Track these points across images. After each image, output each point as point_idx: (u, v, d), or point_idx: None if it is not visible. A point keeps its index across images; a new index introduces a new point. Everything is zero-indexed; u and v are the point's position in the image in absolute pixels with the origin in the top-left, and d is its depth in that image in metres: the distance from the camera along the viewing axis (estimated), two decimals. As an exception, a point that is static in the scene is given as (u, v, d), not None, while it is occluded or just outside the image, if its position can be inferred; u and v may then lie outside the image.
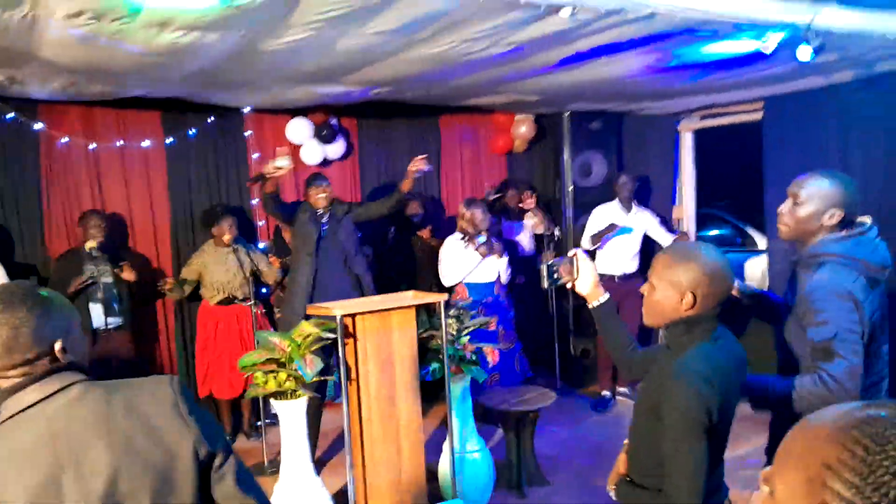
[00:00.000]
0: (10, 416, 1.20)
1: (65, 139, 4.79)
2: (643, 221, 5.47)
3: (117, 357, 4.36)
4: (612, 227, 5.26)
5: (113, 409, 1.23)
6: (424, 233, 5.63)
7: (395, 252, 5.54)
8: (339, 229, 4.65)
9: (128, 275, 4.44)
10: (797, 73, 4.22)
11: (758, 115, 5.41)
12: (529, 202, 5.59)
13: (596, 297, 2.09)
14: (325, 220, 4.64)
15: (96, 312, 4.36)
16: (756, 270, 6.66)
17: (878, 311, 2.07)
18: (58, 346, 1.24)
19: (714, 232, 7.58)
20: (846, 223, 2.09)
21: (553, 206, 6.27)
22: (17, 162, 4.70)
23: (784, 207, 2.17)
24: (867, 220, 2.14)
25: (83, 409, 1.22)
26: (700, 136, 6.21)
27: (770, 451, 2.11)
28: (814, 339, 1.99)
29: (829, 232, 2.08)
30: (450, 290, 4.82)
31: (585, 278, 2.09)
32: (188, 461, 1.27)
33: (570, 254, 2.13)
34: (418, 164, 4.44)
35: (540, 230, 5.72)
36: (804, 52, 3.21)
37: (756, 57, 3.63)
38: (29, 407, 1.20)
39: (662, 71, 4.08)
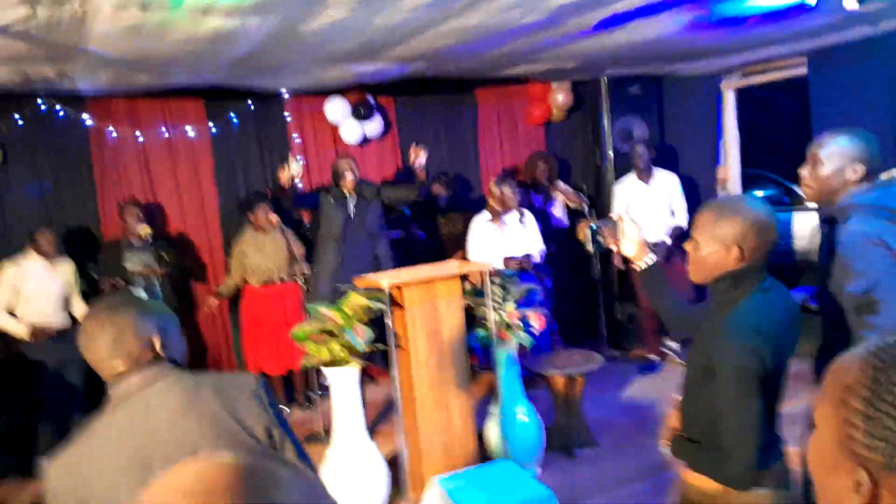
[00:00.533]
0: (117, 398, 1.43)
1: (113, 132, 4.96)
2: (667, 187, 5.36)
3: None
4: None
5: (202, 392, 1.46)
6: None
7: (423, 234, 5.56)
8: (367, 212, 4.70)
9: (150, 271, 4.62)
10: (843, 24, 4.09)
11: (802, 70, 5.26)
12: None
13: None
14: (352, 204, 4.70)
15: None
16: (804, 228, 6.53)
17: None
18: (157, 343, 1.47)
19: (760, 192, 7.44)
20: (870, 178, 2.06)
21: (589, 174, 6.25)
22: (70, 156, 4.89)
23: (805, 170, 2.14)
24: (894, 172, 2.10)
25: (177, 392, 1.43)
26: (743, 94, 6.07)
27: None
28: (853, 292, 1.93)
29: (854, 187, 2.06)
30: None
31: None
32: (262, 439, 1.46)
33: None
34: (415, 155, 4.60)
35: (572, 206, 5.74)
36: (850, 2, 3.12)
37: (799, 9, 3.53)
38: (132, 392, 1.42)
39: (702, 28, 4.01)
